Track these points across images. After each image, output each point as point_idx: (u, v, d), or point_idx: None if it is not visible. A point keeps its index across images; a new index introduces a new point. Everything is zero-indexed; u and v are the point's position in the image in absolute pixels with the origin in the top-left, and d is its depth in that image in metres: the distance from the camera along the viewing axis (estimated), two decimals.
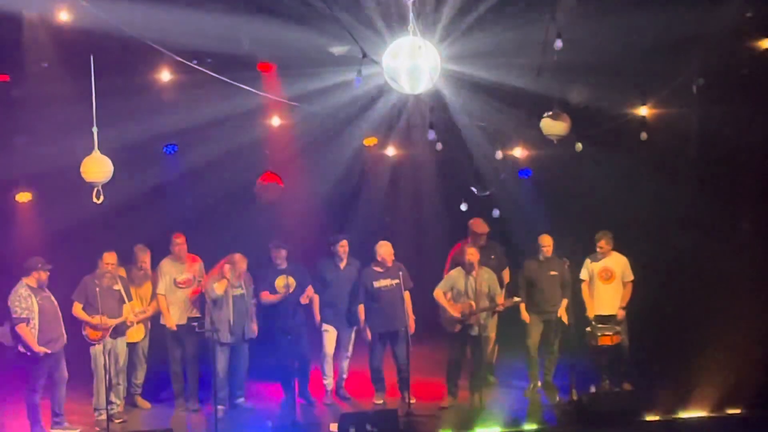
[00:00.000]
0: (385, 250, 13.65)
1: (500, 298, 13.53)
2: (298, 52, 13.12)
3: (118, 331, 13.09)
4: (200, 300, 13.61)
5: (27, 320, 12.33)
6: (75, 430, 12.92)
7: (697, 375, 13.29)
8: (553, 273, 13.95)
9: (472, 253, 13.41)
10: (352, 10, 12.54)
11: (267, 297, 13.66)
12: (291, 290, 13.47)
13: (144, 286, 13.70)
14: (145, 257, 13.60)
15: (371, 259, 13.75)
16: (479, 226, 14.24)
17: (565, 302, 13.96)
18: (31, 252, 12.94)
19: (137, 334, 13.58)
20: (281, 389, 13.85)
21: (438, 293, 13.56)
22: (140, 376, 13.83)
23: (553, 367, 14.22)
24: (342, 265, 13.90)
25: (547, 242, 13.96)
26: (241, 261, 13.37)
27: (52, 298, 12.67)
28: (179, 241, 13.86)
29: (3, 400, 13.30)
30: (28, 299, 12.38)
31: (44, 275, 12.50)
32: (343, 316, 13.92)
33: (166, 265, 13.90)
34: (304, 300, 13.67)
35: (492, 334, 14.19)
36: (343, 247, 13.85)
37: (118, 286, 13.10)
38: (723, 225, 14.52)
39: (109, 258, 13.02)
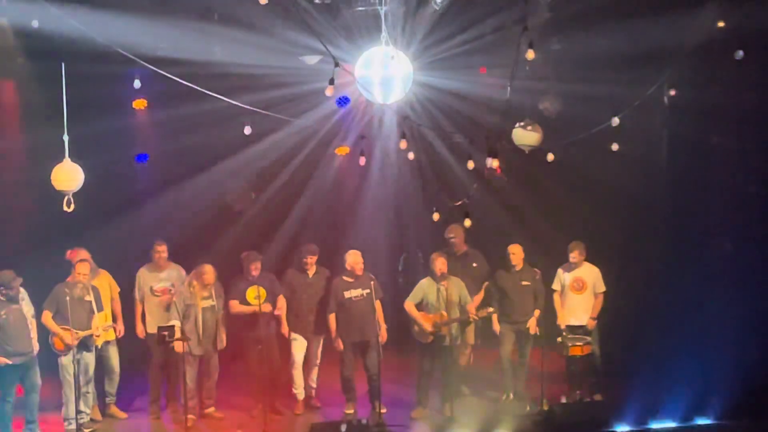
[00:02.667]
0: (353, 258, 13.58)
1: (472, 308, 13.52)
2: (270, 60, 13.12)
3: (86, 344, 12.98)
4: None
5: None
6: None
7: (668, 385, 13.31)
8: (525, 283, 13.94)
9: (441, 263, 13.40)
10: (325, 20, 12.56)
11: (237, 308, 13.59)
12: (262, 301, 13.43)
13: (97, 278, 13.52)
14: (83, 255, 13.38)
15: (342, 269, 13.72)
16: (455, 235, 14.21)
17: (537, 313, 13.95)
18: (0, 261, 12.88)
19: (108, 334, 13.46)
20: (251, 399, 13.79)
21: (409, 305, 13.54)
22: (113, 386, 13.74)
23: (525, 377, 14.22)
24: (310, 273, 13.87)
25: (516, 251, 13.94)
26: (209, 271, 13.30)
27: (24, 310, 12.56)
28: (160, 249, 13.82)
29: None
30: None
31: (12, 292, 12.40)
32: (311, 325, 13.89)
33: (144, 273, 13.87)
34: (277, 312, 13.63)
35: (470, 341, 14.21)
36: (309, 260, 13.82)
37: (90, 297, 13.00)
38: (695, 235, 14.56)
39: (82, 268, 12.94)
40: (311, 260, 13.80)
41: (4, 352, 12.31)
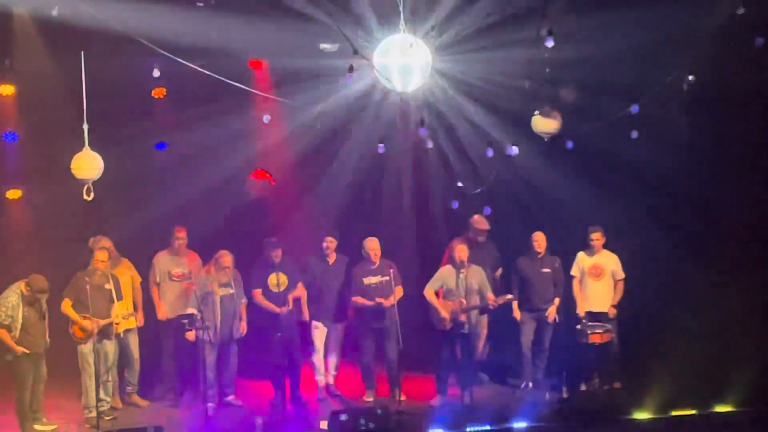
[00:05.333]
0: (371, 245, 13.65)
1: (491, 296, 13.52)
2: (289, 48, 13.12)
3: (105, 333, 13.01)
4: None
5: (8, 328, 12.33)
6: (53, 425, 12.88)
7: (687, 373, 13.28)
8: (545, 270, 13.95)
9: (461, 250, 13.40)
10: (343, 8, 12.56)
11: (259, 298, 13.63)
12: (282, 288, 13.45)
13: (119, 267, 13.57)
14: (105, 244, 13.40)
15: (362, 256, 13.74)
16: (481, 222, 14.23)
17: (557, 301, 13.95)
18: (22, 249, 12.92)
19: (128, 322, 13.48)
20: (271, 386, 13.82)
21: (428, 292, 13.54)
22: (134, 375, 13.78)
23: (544, 364, 14.22)
24: (330, 261, 13.90)
25: (539, 238, 13.95)
26: (224, 255, 13.34)
27: (43, 307, 12.63)
28: (180, 236, 13.86)
29: None
30: (16, 308, 12.36)
31: (43, 297, 12.42)
32: (331, 313, 13.94)
33: (162, 257, 13.93)
34: (292, 296, 13.65)
35: (483, 331, 14.20)
36: (329, 243, 13.85)
37: (110, 285, 13.01)
38: (716, 222, 14.52)
39: (101, 255, 12.96)
40: (331, 247, 13.84)
41: (23, 343, 12.39)
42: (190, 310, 13.03)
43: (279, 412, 13.14)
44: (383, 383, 13.92)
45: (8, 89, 13.64)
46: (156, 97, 14.24)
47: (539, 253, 13.95)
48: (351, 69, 11.30)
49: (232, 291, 13.38)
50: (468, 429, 12.65)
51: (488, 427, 12.71)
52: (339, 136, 15.10)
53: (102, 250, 13.03)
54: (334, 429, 12.27)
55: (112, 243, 13.45)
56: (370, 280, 13.58)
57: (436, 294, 13.54)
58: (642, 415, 12.89)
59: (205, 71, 12.41)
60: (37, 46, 12.95)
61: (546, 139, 13.73)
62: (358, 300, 13.60)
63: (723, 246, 14.30)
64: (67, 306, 12.81)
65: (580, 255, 14.17)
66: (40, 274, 12.44)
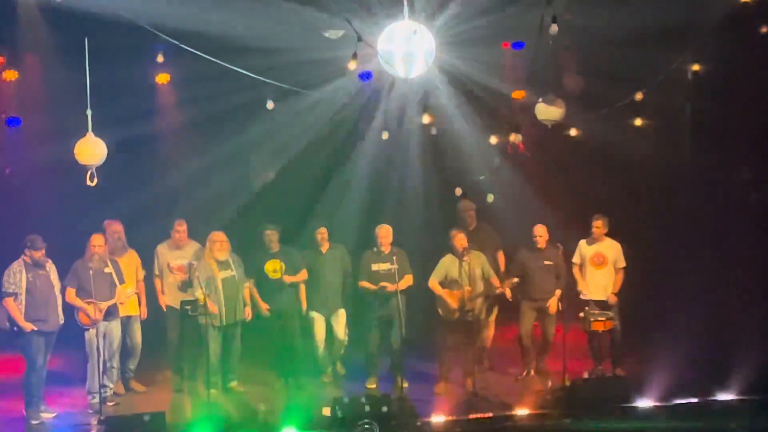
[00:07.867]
0: (381, 232, 13.66)
1: (496, 280, 13.51)
2: (293, 35, 13.11)
3: (111, 313, 13.02)
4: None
5: (14, 295, 12.32)
6: (52, 413, 12.88)
7: (689, 361, 13.29)
8: (547, 262, 13.89)
9: (460, 239, 13.39)
10: None
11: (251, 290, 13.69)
12: (281, 275, 13.45)
13: (125, 255, 13.58)
14: (117, 228, 13.48)
15: (373, 242, 13.76)
16: (465, 206, 14.24)
17: (558, 293, 13.92)
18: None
19: (132, 307, 13.52)
20: (274, 373, 13.84)
21: (433, 283, 13.53)
22: (135, 362, 13.80)
23: (547, 354, 14.21)
24: (323, 249, 13.93)
25: (542, 233, 13.88)
26: (216, 234, 13.35)
27: (52, 277, 12.62)
28: (180, 228, 13.84)
29: None
30: (18, 275, 12.36)
31: (36, 254, 12.45)
32: (328, 301, 13.97)
33: (162, 249, 13.92)
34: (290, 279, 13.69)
35: (492, 318, 14.20)
36: (320, 234, 13.88)
37: (109, 269, 13.01)
38: (718, 210, 14.52)
39: (97, 240, 12.93)
40: (321, 238, 13.84)
41: (30, 318, 12.38)
42: (196, 295, 13.01)
43: (282, 399, 13.13)
44: (386, 370, 13.93)
45: (11, 75, 13.65)
46: (159, 82, 14.22)
47: (541, 247, 13.90)
48: (355, 56, 11.28)
49: (232, 273, 13.40)
50: (470, 417, 12.67)
51: (490, 415, 12.72)
52: (343, 124, 15.10)
53: (97, 234, 13.03)
54: (336, 416, 12.28)
55: (122, 229, 13.49)
56: (379, 266, 13.56)
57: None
58: (644, 402, 12.89)
59: (209, 57, 12.41)
60: (41, 32, 12.94)
61: (549, 127, 13.71)
62: (365, 284, 13.63)
63: (727, 233, 14.30)
64: (71, 294, 12.81)
65: (582, 243, 14.15)
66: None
